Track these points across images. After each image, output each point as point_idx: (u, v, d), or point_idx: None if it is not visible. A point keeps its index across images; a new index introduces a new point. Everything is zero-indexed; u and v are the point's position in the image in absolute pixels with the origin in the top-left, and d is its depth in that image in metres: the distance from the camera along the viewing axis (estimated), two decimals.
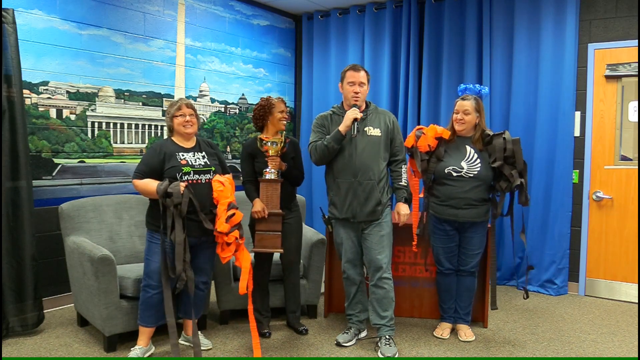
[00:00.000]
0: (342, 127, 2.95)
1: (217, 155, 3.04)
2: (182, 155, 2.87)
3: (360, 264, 3.17)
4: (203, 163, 2.90)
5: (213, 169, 2.91)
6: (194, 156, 2.90)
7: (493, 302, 3.34)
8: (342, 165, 3.03)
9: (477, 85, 3.27)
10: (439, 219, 3.20)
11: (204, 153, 2.96)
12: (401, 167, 3.11)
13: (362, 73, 3.03)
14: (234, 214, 2.78)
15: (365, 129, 3.02)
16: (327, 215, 3.27)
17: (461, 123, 3.13)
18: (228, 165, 3.16)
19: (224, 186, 2.83)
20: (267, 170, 3.08)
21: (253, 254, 3.26)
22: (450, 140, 3.17)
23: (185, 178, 2.80)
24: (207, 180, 2.87)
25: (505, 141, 3.07)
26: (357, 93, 2.99)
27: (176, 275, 2.75)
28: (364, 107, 3.07)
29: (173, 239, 2.72)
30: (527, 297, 3.33)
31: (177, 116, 2.89)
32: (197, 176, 2.84)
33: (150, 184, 2.76)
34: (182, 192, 2.69)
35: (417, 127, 3.27)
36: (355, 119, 2.92)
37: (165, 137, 3.01)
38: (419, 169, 3.16)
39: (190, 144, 2.95)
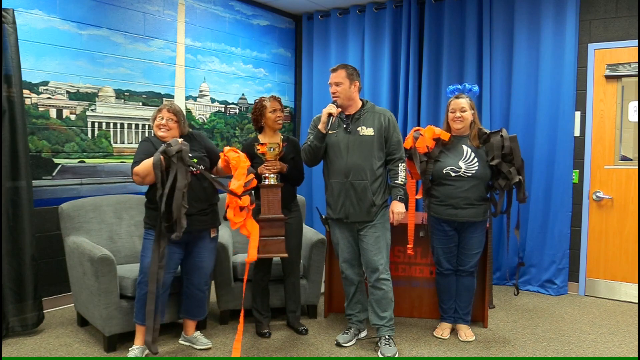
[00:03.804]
0: (320, 125, 2.97)
1: (201, 145, 3.02)
2: None
3: (358, 264, 3.16)
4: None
5: (195, 160, 2.87)
6: None
7: (489, 300, 3.35)
8: (335, 166, 3.03)
9: (465, 84, 3.30)
10: (438, 220, 3.21)
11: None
12: (398, 165, 3.04)
13: (338, 72, 3.02)
14: (252, 179, 2.76)
15: (357, 129, 3.01)
16: (324, 216, 3.27)
17: (459, 121, 3.14)
18: None
19: (238, 154, 2.83)
20: (267, 175, 3.04)
21: None
22: (448, 141, 3.18)
23: None
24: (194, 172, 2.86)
25: (502, 139, 3.08)
26: (333, 93, 3.02)
27: (173, 222, 2.66)
28: (353, 104, 3.05)
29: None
30: (517, 293, 3.38)
31: (156, 118, 2.94)
32: None
33: (149, 161, 2.73)
34: (180, 141, 2.68)
35: (415, 128, 3.27)
36: (331, 114, 2.93)
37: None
38: (417, 171, 3.17)
39: None
